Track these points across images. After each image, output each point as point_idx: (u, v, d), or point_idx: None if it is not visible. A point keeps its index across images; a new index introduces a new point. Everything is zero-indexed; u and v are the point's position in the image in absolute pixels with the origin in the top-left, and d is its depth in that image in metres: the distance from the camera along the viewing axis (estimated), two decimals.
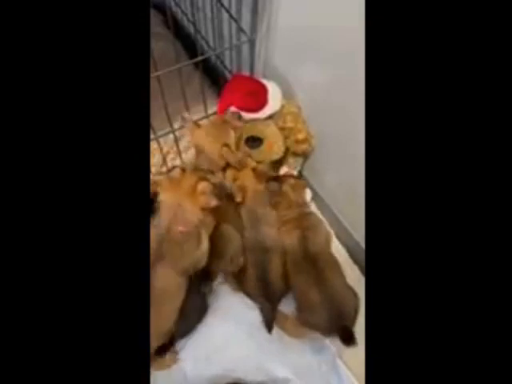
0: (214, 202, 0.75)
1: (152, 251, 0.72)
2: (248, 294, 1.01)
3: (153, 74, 0.89)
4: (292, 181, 1.10)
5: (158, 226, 0.74)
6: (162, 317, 0.75)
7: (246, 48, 1.10)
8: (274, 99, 1.07)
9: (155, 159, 1.22)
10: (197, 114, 1.16)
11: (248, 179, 1.02)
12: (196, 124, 1.04)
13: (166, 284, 0.73)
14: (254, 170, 1.03)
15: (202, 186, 0.75)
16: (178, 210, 0.74)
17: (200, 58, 0.93)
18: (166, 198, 0.75)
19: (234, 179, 1.00)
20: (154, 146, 1.13)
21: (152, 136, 1.07)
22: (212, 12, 1.10)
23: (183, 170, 0.78)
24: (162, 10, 1.58)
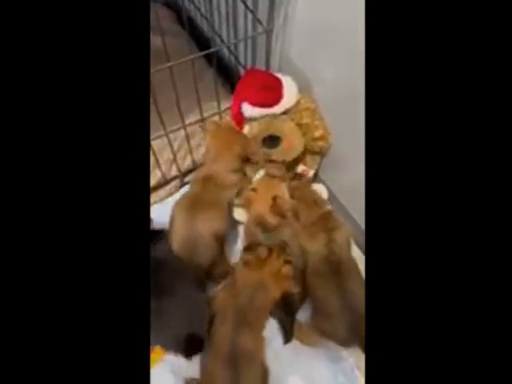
0: (296, 290, 0.82)
1: (235, 319, 0.79)
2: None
3: (164, 65, 0.86)
4: (294, 183, 1.05)
5: (239, 298, 0.80)
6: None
7: (261, 42, 1.06)
8: (290, 94, 1.02)
9: (165, 157, 1.18)
10: (209, 110, 1.13)
11: (262, 206, 0.95)
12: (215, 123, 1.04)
13: (249, 346, 0.79)
14: (274, 199, 0.94)
15: (287, 270, 0.79)
16: (260, 289, 0.80)
17: (213, 49, 0.90)
18: (249, 275, 0.80)
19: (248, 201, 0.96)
20: (164, 141, 1.09)
21: (162, 132, 1.03)
22: (227, 4, 1.07)
23: (270, 250, 0.81)
24: (175, 7, 1.56)
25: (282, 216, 0.94)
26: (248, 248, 0.84)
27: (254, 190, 0.98)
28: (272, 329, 0.94)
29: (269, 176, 1.00)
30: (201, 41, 1.41)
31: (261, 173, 1.06)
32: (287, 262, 0.82)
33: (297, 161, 1.10)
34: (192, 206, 0.95)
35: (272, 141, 1.05)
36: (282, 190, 1.00)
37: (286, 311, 0.93)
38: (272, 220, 0.94)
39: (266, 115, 1.04)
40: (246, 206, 0.97)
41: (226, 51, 1.32)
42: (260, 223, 0.95)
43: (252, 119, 1.06)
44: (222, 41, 1.25)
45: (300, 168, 1.13)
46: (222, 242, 0.97)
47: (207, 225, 0.92)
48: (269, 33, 0.96)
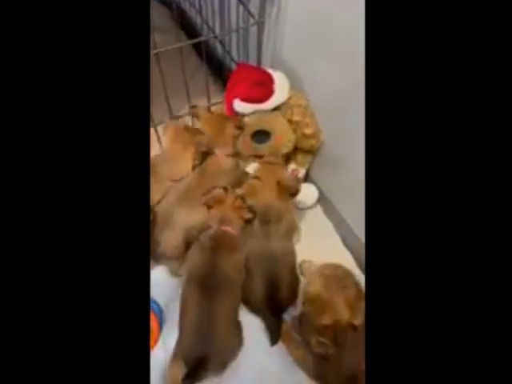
0: (248, 215, 0.93)
1: (211, 247, 0.90)
2: (251, 306, 0.94)
3: (152, 52, 0.85)
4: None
5: (212, 231, 0.93)
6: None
7: (253, 37, 1.05)
8: (281, 90, 1.00)
9: (153, 153, 1.15)
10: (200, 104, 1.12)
11: (269, 190, 0.96)
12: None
13: (226, 271, 0.88)
14: (278, 183, 0.96)
15: (239, 202, 0.94)
16: (224, 219, 0.93)
17: (201, 38, 0.89)
18: (214, 212, 0.94)
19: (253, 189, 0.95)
20: (153, 136, 1.07)
21: (151, 123, 1.02)
22: None
23: (226, 189, 0.95)
24: (169, 3, 1.56)
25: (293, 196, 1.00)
26: (205, 193, 0.94)
27: (256, 177, 0.98)
28: (258, 330, 0.92)
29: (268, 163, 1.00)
30: (194, 36, 1.41)
31: (252, 165, 1.05)
32: (237, 196, 0.95)
33: (287, 158, 1.08)
34: (185, 195, 0.97)
35: (262, 136, 1.02)
36: (285, 173, 1.01)
37: (271, 311, 0.91)
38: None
39: (257, 111, 1.02)
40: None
41: (218, 46, 1.31)
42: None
43: (244, 115, 1.04)
44: (213, 32, 1.25)
45: (291, 167, 1.11)
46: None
47: (187, 224, 0.94)
48: (260, 25, 0.95)
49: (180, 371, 0.79)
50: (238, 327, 0.89)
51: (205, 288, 0.84)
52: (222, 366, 0.84)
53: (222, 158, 1.01)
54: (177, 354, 0.83)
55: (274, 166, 0.99)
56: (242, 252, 0.92)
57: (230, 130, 1.00)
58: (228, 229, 0.91)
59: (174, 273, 0.98)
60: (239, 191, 0.95)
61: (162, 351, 0.89)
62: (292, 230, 1.01)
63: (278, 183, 0.95)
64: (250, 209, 0.93)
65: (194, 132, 1.04)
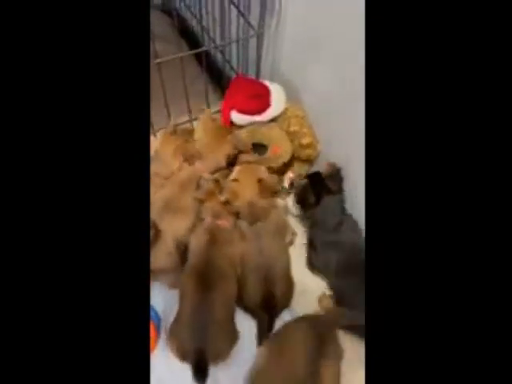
0: (234, 209, 0.97)
1: (207, 240, 0.91)
2: (246, 305, 0.94)
3: (152, 62, 0.86)
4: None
5: (206, 224, 0.94)
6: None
7: (252, 47, 1.07)
8: (278, 102, 1.02)
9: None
10: (199, 112, 1.13)
11: (250, 190, 0.96)
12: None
13: (221, 263, 0.90)
14: (260, 180, 0.96)
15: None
16: (217, 213, 0.95)
17: (202, 49, 0.90)
18: (208, 205, 0.96)
19: (234, 193, 0.96)
20: (152, 143, 1.08)
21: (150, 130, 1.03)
22: (221, 9, 1.08)
23: (217, 180, 0.97)
24: (171, 12, 1.58)
25: (273, 194, 1.01)
26: (197, 187, 0.96)
27: (235, 180, 0.98)
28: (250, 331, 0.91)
29: (245, 163, 1.01)
30: (195, 46, 1.42)
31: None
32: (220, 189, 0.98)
33: (287, 166, 1.09)
34: (166, 205, 0.94)
35: (259, 148, 1.04)
36: (264, 172, 1.00)
37: (265, 309, 0.90)
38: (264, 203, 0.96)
39: (254, 123, 1.03)
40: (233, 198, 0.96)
41: (218, 55, 1.33)
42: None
43: (241, 127, 1.06)
44: (214, 42, 1.26)
45: (288, 175, 1.12)
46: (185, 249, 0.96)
47: (174, 232, 0.93)
48: (259, 36, 0.96)
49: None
50: (232, 321, 0.89)
51: (200, 279, 0.85)
52: (216, 356, 0.82)
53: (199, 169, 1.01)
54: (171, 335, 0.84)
55: (252, 166, 0.99)
56: (235, 246, 0.93)
57: (228, 149, 1.00)
58: (222, 222, 0.92)
59: (173, 286, 0.96)
60: (222, 198, 0.96)
61: (161, 358, 0.90)
62: (282, 230, 1.01)
63: (259, 181, 0.95)
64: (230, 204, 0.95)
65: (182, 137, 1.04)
